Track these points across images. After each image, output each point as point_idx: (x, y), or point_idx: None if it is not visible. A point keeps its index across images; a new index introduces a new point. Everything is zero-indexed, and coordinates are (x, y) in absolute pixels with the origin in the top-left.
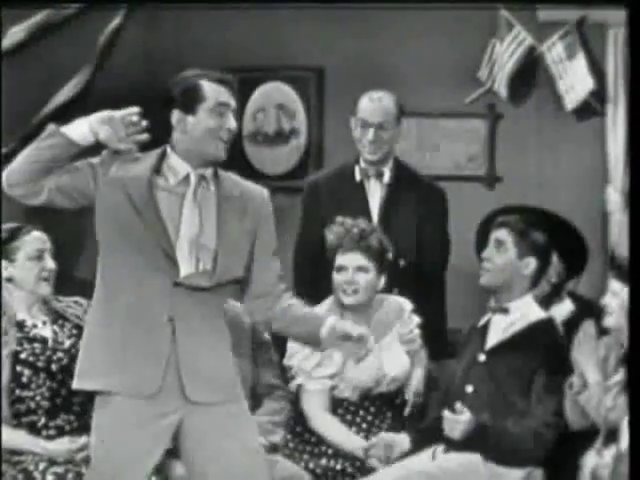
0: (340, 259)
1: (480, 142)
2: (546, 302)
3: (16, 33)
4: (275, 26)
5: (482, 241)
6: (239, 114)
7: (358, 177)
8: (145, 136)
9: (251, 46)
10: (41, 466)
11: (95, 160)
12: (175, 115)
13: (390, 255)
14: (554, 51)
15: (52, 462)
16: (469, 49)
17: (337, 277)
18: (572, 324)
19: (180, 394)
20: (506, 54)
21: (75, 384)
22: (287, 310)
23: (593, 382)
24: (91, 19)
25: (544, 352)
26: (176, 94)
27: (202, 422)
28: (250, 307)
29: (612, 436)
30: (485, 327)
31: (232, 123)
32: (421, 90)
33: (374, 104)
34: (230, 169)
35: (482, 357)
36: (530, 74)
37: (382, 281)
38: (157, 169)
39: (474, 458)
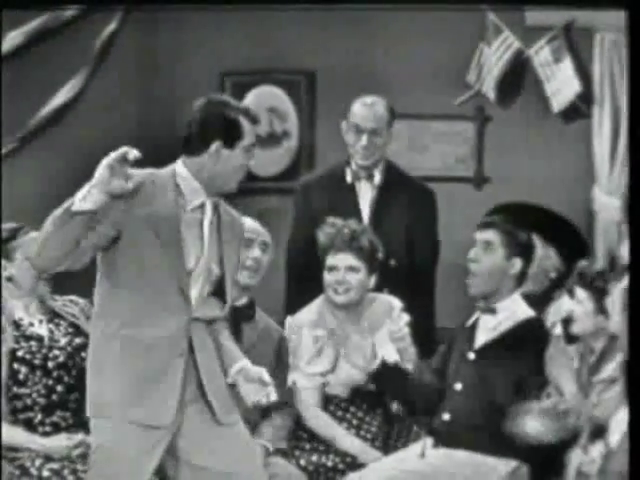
0: (331, 259)
1: (469, 144)
2: (546, 298)
3: (15, 37)
4: (267, 31)
5: None
6: None
7: (349, 179)
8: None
9: (244, 50)
10: (37, 462)
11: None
12: (215, 146)
13: (380, 255)
14: (541, 55)
15: (48, 458)
16: (458, 53)
17: (328, 277)
18: (571, 322)
19: (208, 418)
20: (494, 58)
21: (90, 413)
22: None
23: (570, 395)
24: (88, 24)
25: (533, 351)
26: (218, 125)
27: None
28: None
29: (598, 433)
30: (474, 326)
31: (252, 161)
32: (411, 93)
33: (367, 110)
34: None
35: (471, 356)
36: (518, 77)
37: (372, 280)
38: (178, 196)
39: (462, 455)
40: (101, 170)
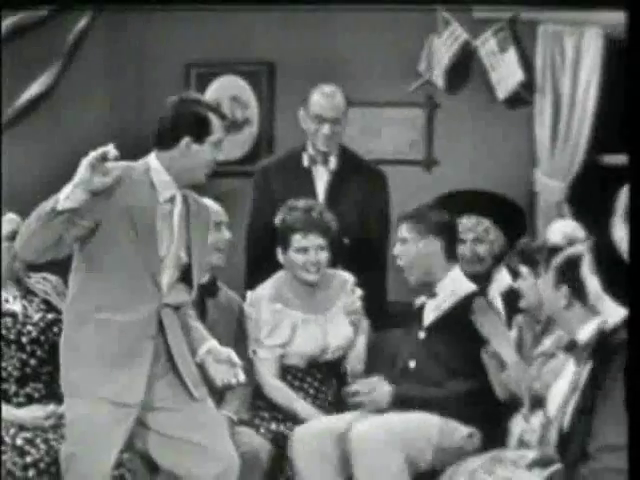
0: (302, 241)
1: (419, 129)
2: (489, 275)
3: None
4: (230, 25)
5: None
6: None
7: (306, 163)
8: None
9: (208, 43)
10: (11, 431)
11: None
12: (185, 140)
13: (335, 230)
14: (487, 45)
15: (22, 428)
16: (410, 44)
17: (299, 257)
18: (510, 296)
19: (183, 397)
20: (443, 48)
21: (64, 391)
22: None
23: (511, 362)
24: (60, 21)
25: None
26: (188, 121)
27: (191, 415)
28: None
29: (538, 403)
30: (422, 307)
31: (220, 156)
32: (365, 82)
33: (327, 100)
34: None
35: (422, 334)
36: (465, 67)
37: (329, 257)
38: (152, 189)
39: (427, 415)
40: (82, 169)
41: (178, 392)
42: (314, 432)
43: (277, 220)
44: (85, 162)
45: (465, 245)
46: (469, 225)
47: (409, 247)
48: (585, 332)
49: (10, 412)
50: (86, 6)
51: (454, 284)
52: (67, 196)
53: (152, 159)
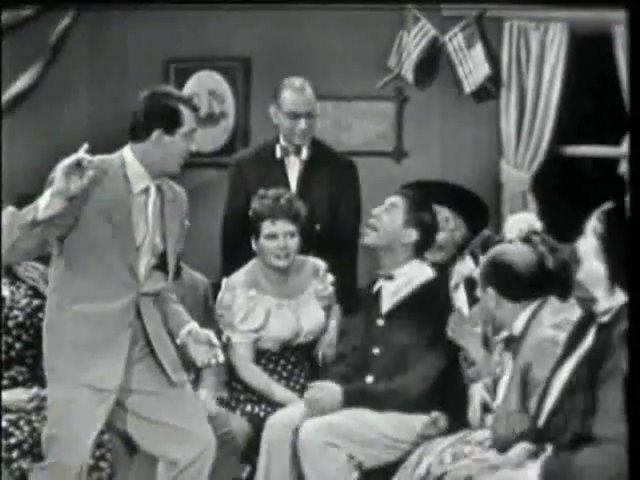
0: (271, 227)
1: (389, 121)
2: (452, 264)
3: None
4: (206, 22)
5: None
6: None
7: (279, 154)
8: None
9: (186, 40)
10: None
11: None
12: (156, 133)
13: (304, 216)
14: (455, 41)
15: (6, 410)
16: (380, 40)
17: (268, 244)
18: (473, 282)
19: (161, 381)
20: (412, 44)
21: (50, 376)
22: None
23: (478, 359)
24: (43, 19)
25: (436, 311)
26: (159, 113)
27: (169, 402)
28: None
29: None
30: (378, 293)
31: (193, 146)
32: (337, 76)
33: (298, 95)
34: None
35: (380, 322)
36: (434, 61)
37: (299, 242)
38: (126, 182)
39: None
40: (59, 177)
41: (156, 376)
42: (280, 423)
43: (250, 209)
44: (60, 170)
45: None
46: None
47: (390, 216)
48: (518, 324)
49: None
50: (69, 6)
51: (413, 271)
52: (47, 205)
53: (126, 152)
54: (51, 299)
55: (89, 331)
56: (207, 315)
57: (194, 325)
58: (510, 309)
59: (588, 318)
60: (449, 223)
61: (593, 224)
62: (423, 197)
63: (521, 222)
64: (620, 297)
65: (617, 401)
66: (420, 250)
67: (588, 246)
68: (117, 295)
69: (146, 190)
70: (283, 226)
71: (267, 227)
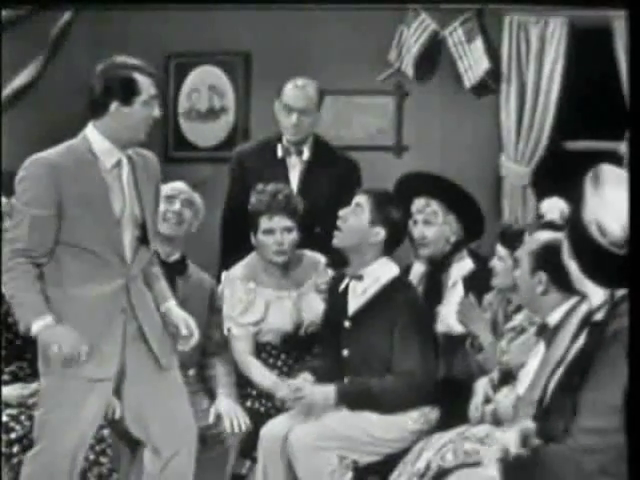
0: (268, 222)
1: (389, 116)
2: (447, 260)
3: None
4: (207, 18)
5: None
6: (175, 94)
7: (280, 153)
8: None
9: (186, 35)
10: None
11: (44, 212)
12: (113, 106)
13: (301, 209)
14: (455, 35)
15: (7, 405)
16: (380, 34)
17: (266, 239)
18: (472, 280)
19: (151, 365)
20: (412, 38)
21: (40, 369)
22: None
23: (487, 344)
24: (44, 15)
25: (400, 307)
26: (114, 86)
27: (156, 386)
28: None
29: (506, 377)
30: (345, 292)
31: (157, 111)
32: (337, 70)
33: (298, 91)
34: (167, 143)
35: (347, 324)
36: (433, 56)
37: (298, 236)
38: (95, 160)
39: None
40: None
41: (146, 360)
42: (272, 433)
43: (249, 204)
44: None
45: (416, 227)
46: (419, 206)
47: (356, 218)
48: (556, 315)
49: None
50: (68, 5)
51: (379, 270)
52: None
53: (89, 131)
54: (45, 289)
55: (81, 320)
56: (213, 314)
57: (171, 304)
58: (554, 298)
59: (587, 318)
60: (437, 217)
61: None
62: (388, 193)
63: (559, 204)
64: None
65: (605, 396)
66: (390, 247)
67: (564, 246)
68: (107, 278)
69: (118, 163)
70: (280, 221)
71: (265, 222)
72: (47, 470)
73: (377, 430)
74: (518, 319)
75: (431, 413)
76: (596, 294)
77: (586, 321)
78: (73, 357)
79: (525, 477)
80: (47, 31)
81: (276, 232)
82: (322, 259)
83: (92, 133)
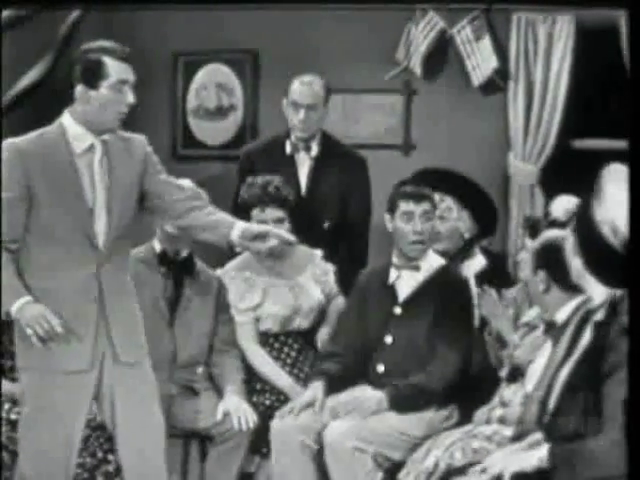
0: (260, 215)
1: (397, 114)
2: (460, 256)
3: None
4: (215, 15)
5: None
6: (184, 92)
7: (288, 150)
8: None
9: (195, 33)
10: (6, 406)
11: (11, 195)
12: (79, 89)
13: (292, 200)
14: (463, 33)
15: (15, 402)
16: (388, 32)
17: None
18: (484, 277)
19: (110, 359)
20: (420, 36)
21: (19, 363)
22: (194, 212)
23: (511, 342)
24: (52, 13)
25: (449, 293)
26: (80, 69)
27: (122, 379)
28: (164, 221)
29: (516, 373)
30: (394, 283)
31: (130, 98)
32: (345, 69)
33: (305, 87)
34: (175, 141)
35: (398, 310)
36: (441, 54)
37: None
38: (67, 144)
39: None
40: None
41: (111, 354)
42: (290, 427)
43: (239, 198)
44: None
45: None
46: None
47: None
48: (563, 313)
49: (5, 386)
50: (76, 5)
51: (430, 260)
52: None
53: (64, 117)
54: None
55: (52, 310)
56: (220, 311)
57: (241, 224)
58: (557, 297)
59: (586, 317)
60: (452, 213)
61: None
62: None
63: (568, 203)
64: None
65: (621, 395)
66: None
67: (569, 244)
68: (77, 267)
69: (90, 148)
70: (272, 213)
71: (256, 215)
72: (41, 471)
73: (410, 428)
74: (532, 315)
75: (455, 410)
76: (596, 292)
77: (585, 319)
78: (49, 333)
79: (568, 471)
80: (55, 30)
81: (269, 223)
82: (317, 252)
83: (66, 119)
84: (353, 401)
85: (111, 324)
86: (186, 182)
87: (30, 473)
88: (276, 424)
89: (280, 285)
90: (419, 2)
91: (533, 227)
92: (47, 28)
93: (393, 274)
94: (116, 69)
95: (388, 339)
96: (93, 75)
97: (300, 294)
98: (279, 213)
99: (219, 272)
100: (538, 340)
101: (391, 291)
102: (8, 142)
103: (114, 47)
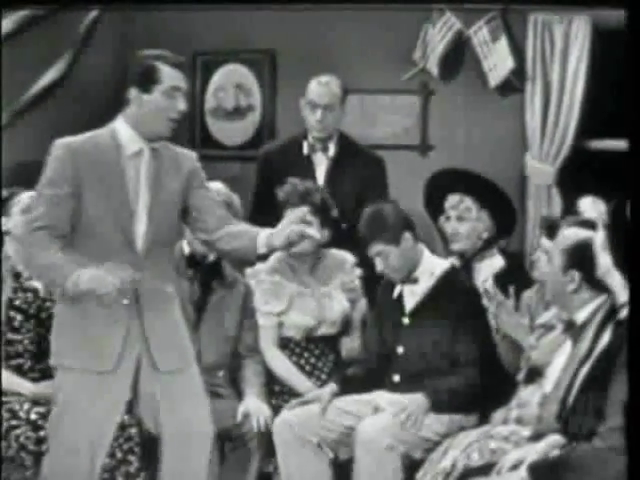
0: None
1: (414, 115)
2: (479, 256)
3: (6, 24)
4: (233, 15)
5: (433, 202)
6: (202, 92)
7: (306, 151)
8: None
9: (213, 33)
10: (26, 406)
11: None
12: (132, 92)
13: (334, 212)
14: (480, 34)
15: (35, 402)
16: (405, 33)
17: None
18: (502, 277)
19: (149, 366)
20: (437, 37)
21: (51, 361)
22: (226, 227)
23: (527, 347)
24: (71, 14)
25: (458, 297)
26: (135, 73)
27: (164, 387)
28: (197, 234)
29: (533, 373)
30: (400, 296)
31: (182, 105)
32: (363, 70)
33: (322, 87)
34: (194, 141)
35: (406, 320)
36: (458, 55)
37: (325, 235)
38: (118, 147)
39: None
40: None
41: (149, 363)
42: (289, 422)
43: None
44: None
45: (449, 222)
46: (453, 202)
47: (391, 256)
48: (583, 313)
49: (26, 387)
50: (94, 5)
51: (430, 265)
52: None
53: (118, 120)
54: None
55: (87, 307)
56: (245, 316)
57: (267, 230)
58: (584, 297)
59: (609, 316)
60: (471, 213)
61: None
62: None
63: (596, 203)
64: None
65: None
66: (415, 235)
67: (598, 240)
68: (115, 273)
69: (139, 152)
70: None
71: (286, 214)
72: (65, 470)
73: (439, 426)
74: (548, 316)
75: (474, 412)
76: (622, 291)
77: (609, 318)
78: (109, 294)
79: (553, 478)
80: (75, 29)
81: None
82: (349, 258)
83: (119, 122)
84: (398, 402)
85: (148, 332)
86: (218, 185)
87: (55, 471)
88: (277, 419)
89: (307, 295)
90: (436, 2)
91: (551, 227)
92: (66, 27)
93: (398, 287)
94: (170, 75)
95: (400, 349)
96: (147, 80)
97: (326, 305)
98: (310, 217)
99: (249, 271)
100: (556, 340)
101: (399, 301)
102: (60, 141)
103: (169, 54)
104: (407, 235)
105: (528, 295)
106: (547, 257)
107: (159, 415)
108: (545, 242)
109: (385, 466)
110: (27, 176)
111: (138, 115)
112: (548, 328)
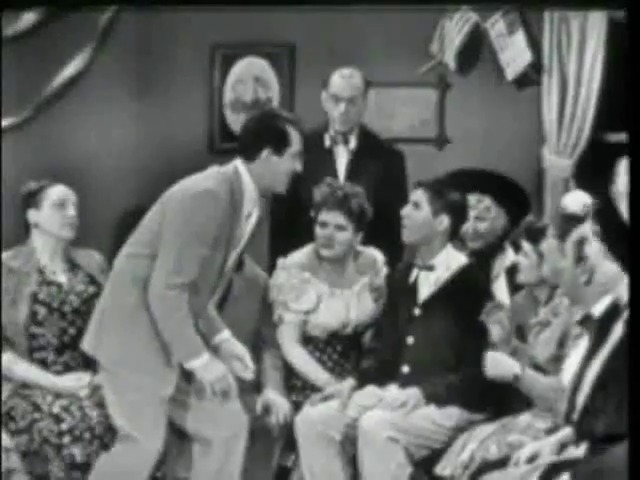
0: (324, 216)
1: (431, 108)
2: (491, 253)
3: (27, 18)
4: (252, 8)
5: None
6: (221, 85)
7: (327, 144)
8: None
9: (232, 26)
10: (48, 399)
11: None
12: (264, 152)
13: (368, 217)
14: (497, 27)
15: (58, 395)
16: (422, 26)
17: (319, 231)
18: (514, 272)
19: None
20: (455, 30)
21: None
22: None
23: (525, 348)
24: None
25: (472, 296)
26: (270, 134)
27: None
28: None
29: (538, 371)
30: (415, 282)
31: (298, 166)
32: (380, 63)
33: (345, 80)
34: (212, 134)
35: (417, 311)
36: (475, 48)
37: (358, 238)
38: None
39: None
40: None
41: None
42: (319, 416)
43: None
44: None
45: (468, 222)
46: (472, 202)
47: (419, 213)
48: (600, 306)
49: (49, 380)
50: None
51: (448, 258)
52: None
53: (241, 169)
54: (130, 293)
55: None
56: (265, 309)
57: (227, 334)
58: (597, 290)
59: (613, 312)
60: (490, 212)
61: (592, 228)
62: (441, 180)
63: (582, 197)
64: None
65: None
66: (455, 232)
67: (594, 250)
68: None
69: (249, 216)
70: (335, 217)
71: (322, 215)
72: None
73: (444, 418)
74: (543, 312)
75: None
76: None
77: (615, 310)
78: (225, 391)
79: None
80: (95, 22)
81: (329, 226)
82: (380, 257)
83: (244, 172)
84: (389, 399)
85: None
86: None
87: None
88: (299, 415)
89: (335, 296)
90: (451, 2)
91: (535, 231)
92: (86, 21)
93: (414, 273)
94: (297, 139)
95: (410, 340)
96: (281, 142)
97: (352, 307)
98: (341, 220)
99: (280, 262)
100: (554, 336)
101: (413, 291)
102: (206, 190)
103: (296, 118)
104: (444, 217)
105: (517, 301)
106: (527, 260)
107: (193, 410)
108: (525, 245)
109: (387, 460)
110: None
111: (264, 173)
112: (544, 324)
